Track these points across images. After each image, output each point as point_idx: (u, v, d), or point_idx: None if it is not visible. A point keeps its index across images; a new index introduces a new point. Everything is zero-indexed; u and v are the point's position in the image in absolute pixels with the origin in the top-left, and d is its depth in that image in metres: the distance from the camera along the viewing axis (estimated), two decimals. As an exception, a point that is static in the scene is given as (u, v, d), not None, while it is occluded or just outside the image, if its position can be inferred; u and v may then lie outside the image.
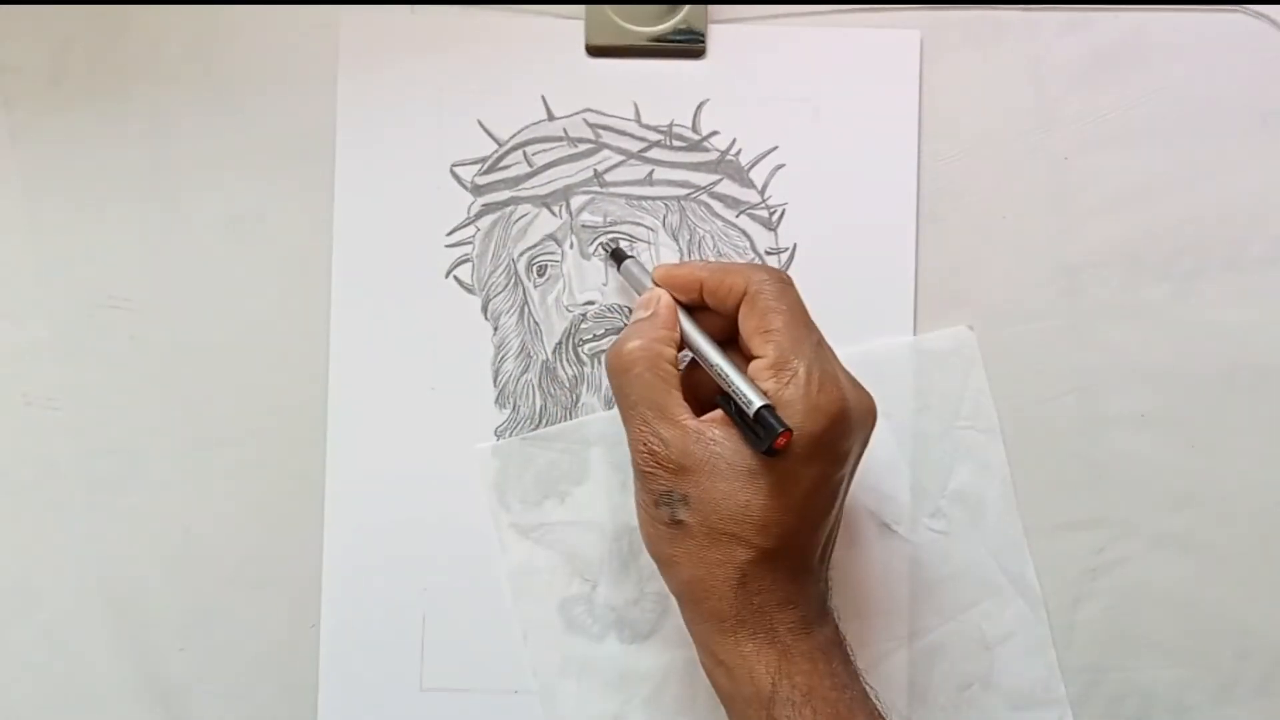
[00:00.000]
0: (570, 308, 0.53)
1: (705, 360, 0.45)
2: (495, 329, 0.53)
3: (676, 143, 0.53)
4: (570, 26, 0.53)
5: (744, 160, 0.53)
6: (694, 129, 0.53)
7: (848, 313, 0.52)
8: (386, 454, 0.53)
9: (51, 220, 0.53)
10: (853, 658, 0.45)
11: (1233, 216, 0.52)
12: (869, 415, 0.45)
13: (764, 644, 0.42)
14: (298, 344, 0.53)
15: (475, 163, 0.53)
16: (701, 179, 0.53)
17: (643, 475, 0.44)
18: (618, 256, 0.51)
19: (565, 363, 0.53)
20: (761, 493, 0.42)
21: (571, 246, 0.53)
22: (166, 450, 0.53)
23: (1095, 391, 0.52)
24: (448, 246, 0.53)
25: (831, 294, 0.52)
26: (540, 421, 0.53)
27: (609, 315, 0.53)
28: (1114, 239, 0.52)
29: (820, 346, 0.44)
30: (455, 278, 0.53)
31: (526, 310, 0.53)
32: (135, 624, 0.53)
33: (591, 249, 0.52)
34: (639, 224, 0.53)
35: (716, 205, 0.53)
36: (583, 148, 0.53)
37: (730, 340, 0.46)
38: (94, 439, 0.53)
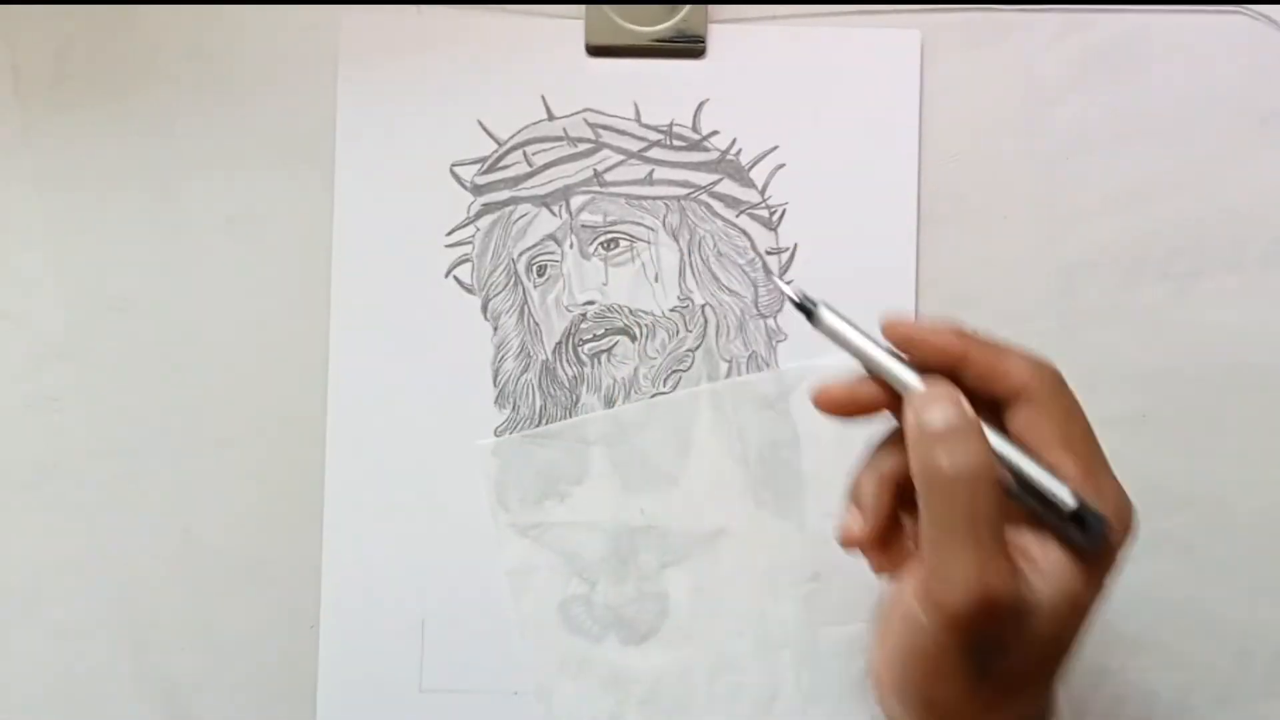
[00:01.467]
0: (570, 308, 0.53)
1: (1013, 464, 0.37)
2: (495, 329, 0.53)
3: (676, 142, 0.53)
4: (570, 26, 0.53)
5: (744, 160, 0.53)
6: (694, 129, 0.53)
7: (848, 312, 0.52)
8: (386, 454, 0.53)
9: (52, 221, 0.53)
10: None
11: (1232, 216, 0.52)
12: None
13: None
14: (298, 344, 0.53)
15: (475, 162, 0.53)
16: (702, 179, 0.53)
17: (964, 625, 0.35)
18: (807, 311, 0.41)
19: (565, 363, 0.53)
20: (1079, 628, 0.36)
21: (571, 246, 0.53)
22: (166, 450, 0.53)
23: (1094, 391, 0.52)
24: (447, 246, 0.53)
25: (831, 294, 0.52)
26: (540, 421, 0.53)
27: (609, 315, 0.53)
28: (1113, 239, 0.52)
29: (1102, 451, 0.38)
30: (455, 278, 0.53)
31: (526, 310, 0.53)
32: (136, 624, 0.53)
33: (788, 298, 0.42)
34: (639, 224, 0.53)
35: (717, 205, 0.53)
36: (583, 147, 0.53)
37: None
38: (94, 439, 0.53)
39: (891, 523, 0.40)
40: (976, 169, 0.53)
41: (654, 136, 0.53)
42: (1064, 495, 0.36)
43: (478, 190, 0.53)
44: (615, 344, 0.53)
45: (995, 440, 0.37)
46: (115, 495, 0.53)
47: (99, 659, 0.53)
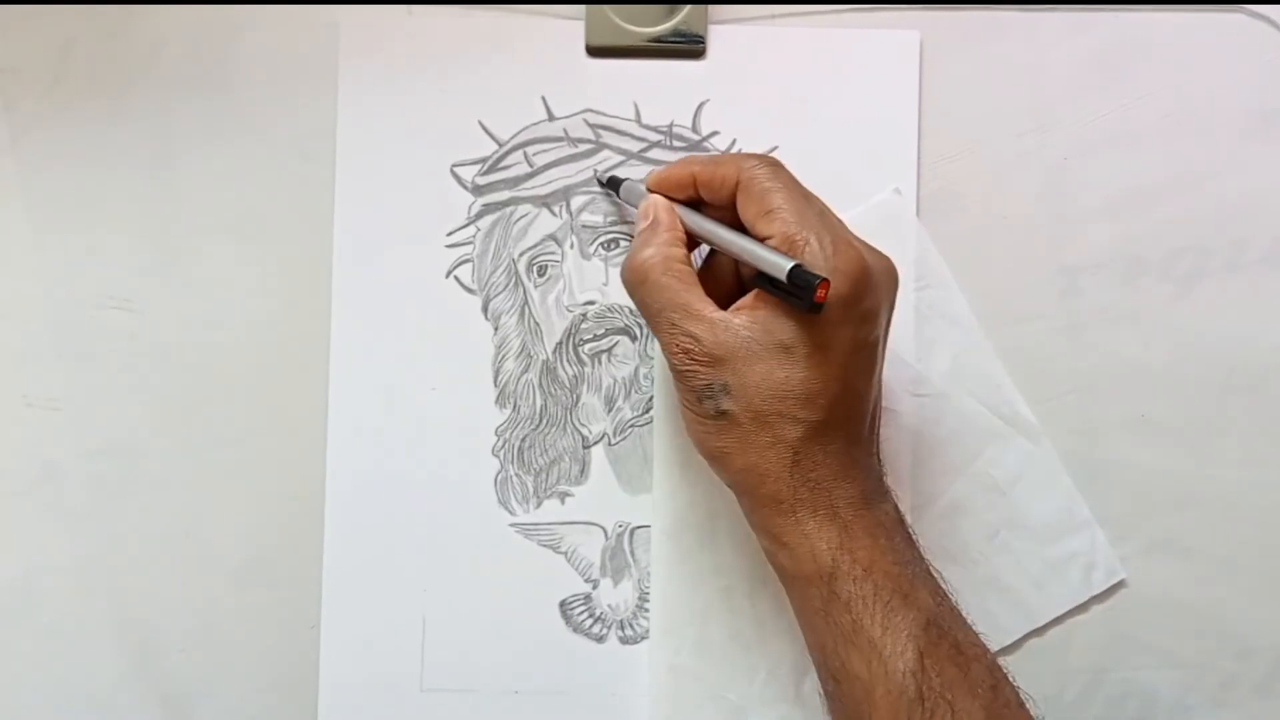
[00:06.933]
0: (570, 308, 0.53)
1: (721, 243, 0.45)
2: (495, 329, 0.53)
3: (677, 143, 0.53)
4: (570, 26, 0.53)
5: (744, 160, 0.53)
6: (694, 129, 0.53)
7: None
8: (386, 454, 0.53)
9: (52, 220, 0.53)
10: (915, 536, 0.45)
11: (1233, 217, 0.52)
12: (890, 274, 0.45)
13: (824, 521, 0.42)
14: (298, 344, 0.53)
15: (475, 163, 0.53)
16: (702, 179, 0.53)
17: (681, 375, 0.44)
18: (613, 183, 0.51)
19: (565, 362, 0.53)
20: (799, 365, 0.42)
21: (572, 246, 0.53)
22: (166, 450, 0.53)
23: (1094, 393, 0.52)
24: (448, 247, 0.53)
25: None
26: (540, 421, 0.53)
27: (609, 315, 0.53)
28: (1113, 240, 0.52)
29: (825, 215, 0.44)
30: (455, 278, 0.53)
31: (527, 310, 0.53)
32: (136, 624, 0.53)
33: (603, 179, 0.52)
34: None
35: (717, 205, 0.53)
36: (583, 148, 0.53)
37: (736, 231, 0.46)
38: (94, 439, 0.53)
39: None
40: (976, 169, 0.53)
41: (654, 137, 0.53)
42: (780, 263, 0.41)
43: (478, 190, 0.53)
44: (615, 344, 0.53)
45: (715, 229, 0.45)
46: (115, 495, 0.53)
47: (99, 660, 0.53)
